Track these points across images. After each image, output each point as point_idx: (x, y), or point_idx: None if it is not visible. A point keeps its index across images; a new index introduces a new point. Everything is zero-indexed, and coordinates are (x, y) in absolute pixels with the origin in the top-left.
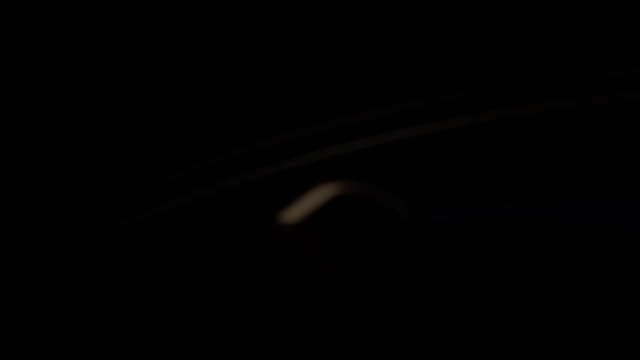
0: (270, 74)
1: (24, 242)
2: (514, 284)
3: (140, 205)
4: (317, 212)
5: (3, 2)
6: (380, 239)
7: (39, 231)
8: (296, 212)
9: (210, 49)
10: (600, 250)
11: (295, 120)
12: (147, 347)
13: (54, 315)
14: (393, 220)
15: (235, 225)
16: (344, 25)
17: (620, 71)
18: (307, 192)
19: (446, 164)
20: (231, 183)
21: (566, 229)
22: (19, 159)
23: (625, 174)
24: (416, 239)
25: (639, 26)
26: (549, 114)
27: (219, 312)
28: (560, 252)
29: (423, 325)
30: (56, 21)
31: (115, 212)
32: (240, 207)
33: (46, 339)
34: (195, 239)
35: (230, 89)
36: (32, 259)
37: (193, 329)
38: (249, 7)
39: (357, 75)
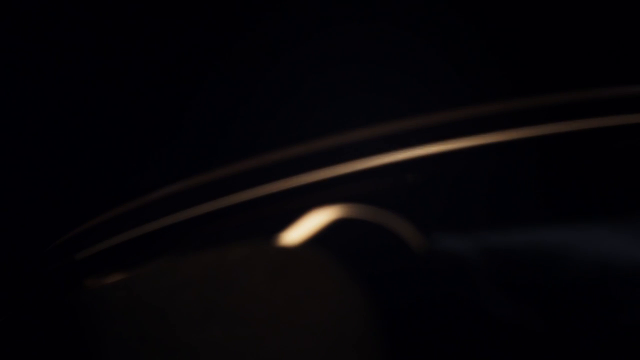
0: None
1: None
2: (517, 317)
3: (134, 219)
4: (321, 234)
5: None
6: (386, 264)
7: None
8: (299, 233)
9: (212, 57)
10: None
11: (297, 137)
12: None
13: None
14: (400, 246)
15: (240, 243)
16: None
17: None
18: (310, 214)
19: (454, 188)
20: (231, 200)
21: (577, 263)
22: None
23: None
24: (424, 267)
25: None
26: (556, 136)
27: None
28: (567, 289)
29: (425, 351)
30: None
31: (110, 225)
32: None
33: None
34: (206, 256)
35: (233, 102)
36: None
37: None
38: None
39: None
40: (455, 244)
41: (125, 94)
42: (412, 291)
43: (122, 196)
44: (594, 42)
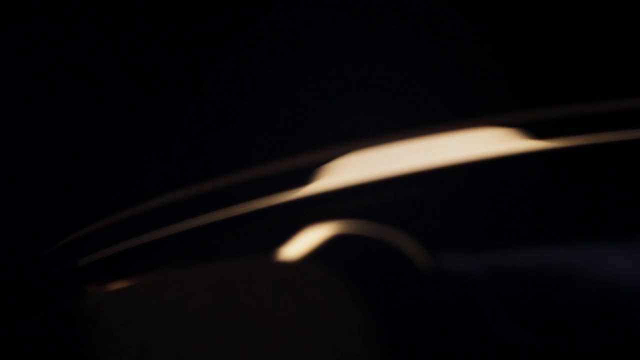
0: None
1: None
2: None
3: (138, 226)
4: (323, 249)
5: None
6: (390, 282)
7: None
8: (301, 247)
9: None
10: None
11: (298, 143)
12: None
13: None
14: (404, 264)
15: (244, 257)
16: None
17: None
18: (312, 228)
19: (458, 204)
20: (225, 214)
21: (585, 283)
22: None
23: None
24: (429, 286)
25: None
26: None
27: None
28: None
29: None
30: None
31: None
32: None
33: None
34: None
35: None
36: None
37: None
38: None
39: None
40: (460, 263)
41: (127, 95)
42: (417, 310)
43: (125, 200)
44: (604, 51)
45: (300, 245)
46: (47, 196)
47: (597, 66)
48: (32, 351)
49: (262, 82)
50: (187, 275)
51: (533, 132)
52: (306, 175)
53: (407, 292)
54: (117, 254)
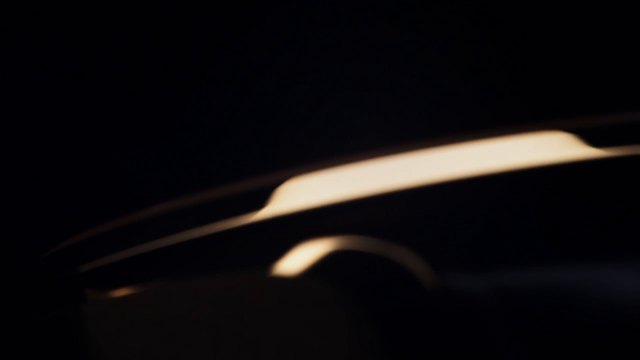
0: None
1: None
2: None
3: (143, 233)
4: (327, 265)
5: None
6: (394, 300)
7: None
8: (305, 262)
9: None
10: None
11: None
12: None
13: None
14: (410, 283)
15: (249, 270)
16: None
17: None
18: (315, 242)
19: (464, 221)
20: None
21: (596, 305)
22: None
23: None
24: (434, 306)
25: None
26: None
27: None
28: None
29: None
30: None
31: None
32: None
33: None
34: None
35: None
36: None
37: None
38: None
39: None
40: (466, 283)
41: (127, 96)
42: (421, 328)
43: (128, 203)
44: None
45: (305, 259)
46: (48, 198)
47: (614, 74)
48: (31, 356)
49: (263, 89)
50: (191, 286)
51: (538, 146)
52: (311, 185)
53: (412, 310)
54: (121, 261)
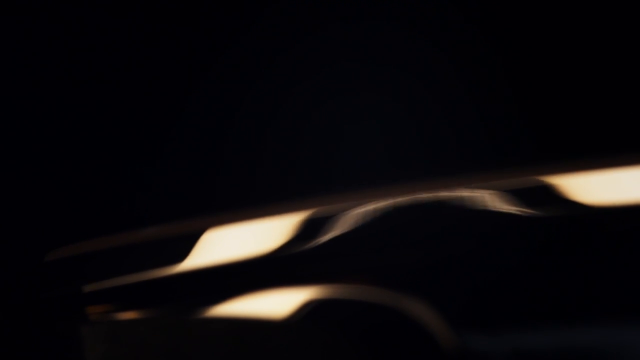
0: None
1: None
2: None
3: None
4: (333, 313)
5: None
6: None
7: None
8: (311, 310)
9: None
10: None
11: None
12: None
13: None
14: (425, 342)
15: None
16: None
17: None
18: (322, 285)
19: (480, 272)
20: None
21: None
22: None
23: None
24: None
25: None
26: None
27: None
28: None
29: None
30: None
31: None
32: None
33: None
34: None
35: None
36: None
37: None
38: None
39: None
40: (483, 344)
41: (129, 96)
42: None
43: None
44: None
45: (314, 306)
46: (48, 207)
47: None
48: None
49: (268, 116)
50: (194, 321)
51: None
52: (313, 225)
53: None
54: (127, 285)
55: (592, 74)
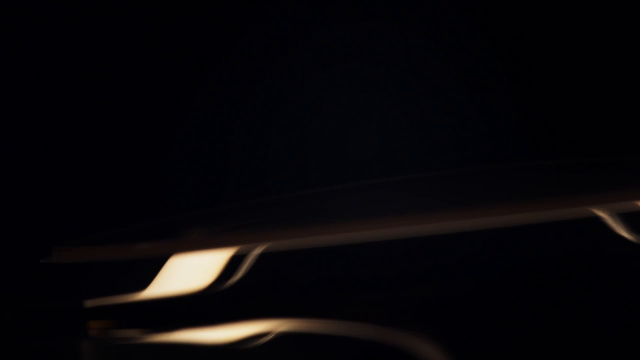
0: None
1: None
2: None
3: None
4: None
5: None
6: None
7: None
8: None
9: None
10: None
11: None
12: None
13: None
14: None
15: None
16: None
17: None
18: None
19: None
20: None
21: None
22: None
23: None
24: None
25: None
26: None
27: None
28: None
29: None
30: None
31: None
32: None
33: None
34: None
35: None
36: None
37: None
38: None
39: None
40: None
41: (131, 97)
42: None
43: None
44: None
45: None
46: (48, 210)
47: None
48: None
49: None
50: (195, 344)
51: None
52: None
53: None
54: (130, 303)
55: (592, 74)
